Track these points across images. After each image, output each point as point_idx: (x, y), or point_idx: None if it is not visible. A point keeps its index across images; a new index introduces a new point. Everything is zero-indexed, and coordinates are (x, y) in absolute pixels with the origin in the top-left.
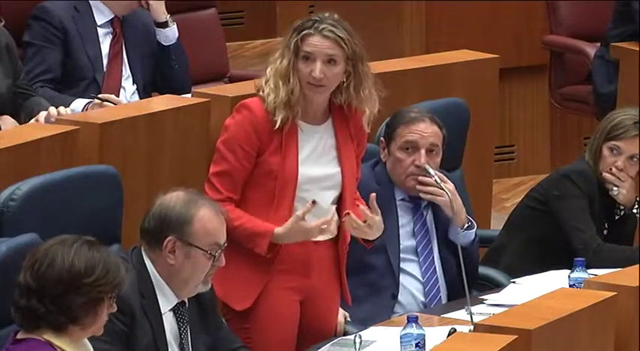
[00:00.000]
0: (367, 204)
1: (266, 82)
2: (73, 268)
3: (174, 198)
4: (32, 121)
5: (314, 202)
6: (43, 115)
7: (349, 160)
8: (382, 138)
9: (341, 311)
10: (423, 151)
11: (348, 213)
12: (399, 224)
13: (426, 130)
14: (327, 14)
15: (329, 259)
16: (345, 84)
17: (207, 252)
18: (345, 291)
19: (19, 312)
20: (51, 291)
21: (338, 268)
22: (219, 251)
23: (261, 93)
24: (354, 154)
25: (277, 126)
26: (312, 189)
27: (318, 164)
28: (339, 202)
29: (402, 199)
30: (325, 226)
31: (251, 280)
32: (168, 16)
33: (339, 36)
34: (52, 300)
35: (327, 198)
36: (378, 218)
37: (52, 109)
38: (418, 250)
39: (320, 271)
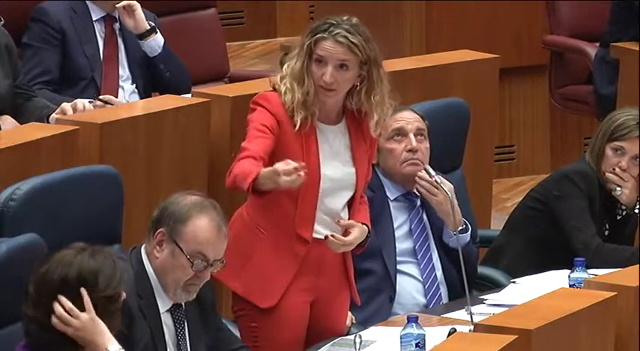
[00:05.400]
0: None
1: (281, 80)
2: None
3: (186, 198)
4: (55, 115)
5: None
6: (67, 107)
7: (362, 161)
8: None
9: (348, 313)
10: (411, 136)
11: (333, 235)
12: (395, 226)
13: (409, 117)
14: (345, 18)
15: (337, 262)
16: (357, 88)
17: (187, 257)
18: (353, 291)
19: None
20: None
21: (346, 271)
22: (202, 263)
23: (276, 87)
24: (367, 155)
25: (297, 127)
26: (330, 188)
27: (334, 164)
28: (350, 202)
29: (395, 199)
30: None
31: (277, 278)
32: (152, 23)
33: (353, 42)
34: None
35: (342, 198)
36: (357, 229)
37: (66, 105)
38: (417, 250)
39: (330, 273)
